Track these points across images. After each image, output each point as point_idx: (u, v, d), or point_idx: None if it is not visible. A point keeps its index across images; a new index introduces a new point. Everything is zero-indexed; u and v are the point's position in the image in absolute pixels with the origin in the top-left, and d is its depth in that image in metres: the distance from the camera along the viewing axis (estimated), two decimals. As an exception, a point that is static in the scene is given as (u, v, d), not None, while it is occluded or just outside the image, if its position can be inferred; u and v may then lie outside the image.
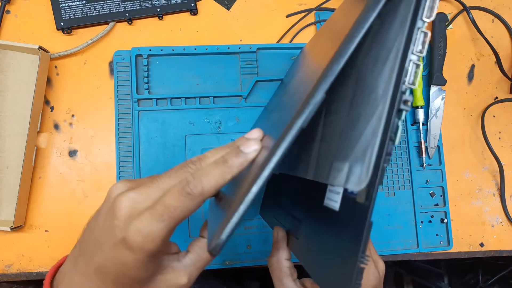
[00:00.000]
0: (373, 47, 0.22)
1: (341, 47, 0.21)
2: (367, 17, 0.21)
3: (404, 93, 0.19)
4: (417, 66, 0.19)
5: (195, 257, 0.25)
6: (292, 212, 0.32)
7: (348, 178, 0.21)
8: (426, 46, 0.19)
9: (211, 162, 0.24)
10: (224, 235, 0.22)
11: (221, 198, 0.29)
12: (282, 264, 0.31)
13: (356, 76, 0.24)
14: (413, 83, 0.19)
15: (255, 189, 0.21)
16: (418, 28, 0.19)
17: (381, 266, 0.31)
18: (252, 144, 0.25)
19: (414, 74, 0.19)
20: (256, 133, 0.26)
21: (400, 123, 0.20)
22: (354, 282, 0.19)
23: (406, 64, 0.19)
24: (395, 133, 0.20)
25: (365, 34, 0.22)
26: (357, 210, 0.20)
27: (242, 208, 0.22)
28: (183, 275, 0.24)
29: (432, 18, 0.19)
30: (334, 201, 0.23)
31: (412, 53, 0.19)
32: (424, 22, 0.19)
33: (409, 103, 0.19)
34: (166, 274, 0.24)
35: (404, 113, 0.20)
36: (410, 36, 0.19)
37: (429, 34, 0.19)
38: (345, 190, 0.22)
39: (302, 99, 0.21)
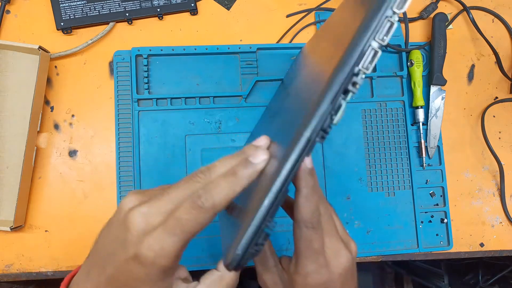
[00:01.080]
0: None
1: (345, 56, 0.21)
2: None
3: (356, 75, 0.20)
4: (375, 52, 0.20)
5: None
6: None
7: None
8: (390, 35, 0.20)
9: (221, 173, 0.23)
10: (239, 250, 0.21)
11: (232, 208, 0.29)
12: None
13: None
14: (367, 68, 0.20)
15: (267, 202, 0.21)
16: (386, 17, 0.19)
17: (353, 246, 0.29)
18: (261, 154, 0.24)
19: (370, 59, 0.20)
20: (263, 141, 0.25)
21: (344, 103, 0.20)
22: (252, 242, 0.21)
23: (365, 48, 0.20)
24: (336, 111, 0.20)
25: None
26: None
27: (256, 222, 0.21)
28: None
29: (403, 10, 0.19)
30: None
31: (374, 39, 0.20)
32: (394, 12, 0.19)
33: (358, 86, 0.20)
34: None
35: (350, 94, 0.20)
36: (377, 22, 0.20)
37: (395, 25, 0.19)
38: None
39: (309, 108, 0.22)
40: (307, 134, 0.21)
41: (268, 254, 0.30)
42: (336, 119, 0.20)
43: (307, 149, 0.21)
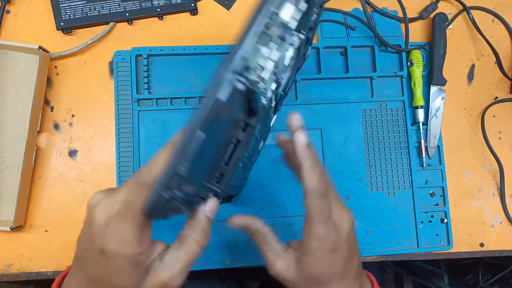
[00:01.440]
0: None
1: None
2: None
3: (312, 29, 0.22)
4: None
5: (176, 252, 0.25)
6: None
7: None
8: None
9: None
10: (153, 193, 0.21)
11: None
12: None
13: None
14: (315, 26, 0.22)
15: (179, 147, 0.21)
16: None
17: (351, 212, 0.30)
18: None
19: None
20: None
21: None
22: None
23: None
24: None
25: None
26: None
27: (168, 165, 0.21)
28: (162, 273, 0.24)
29: None
30: None
31: None
32: None
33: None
34: (150, 277, 0.24)
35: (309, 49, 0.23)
36: None
37: None
38: None
39: None
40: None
41: (274, 241, 0.31)
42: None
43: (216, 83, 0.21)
